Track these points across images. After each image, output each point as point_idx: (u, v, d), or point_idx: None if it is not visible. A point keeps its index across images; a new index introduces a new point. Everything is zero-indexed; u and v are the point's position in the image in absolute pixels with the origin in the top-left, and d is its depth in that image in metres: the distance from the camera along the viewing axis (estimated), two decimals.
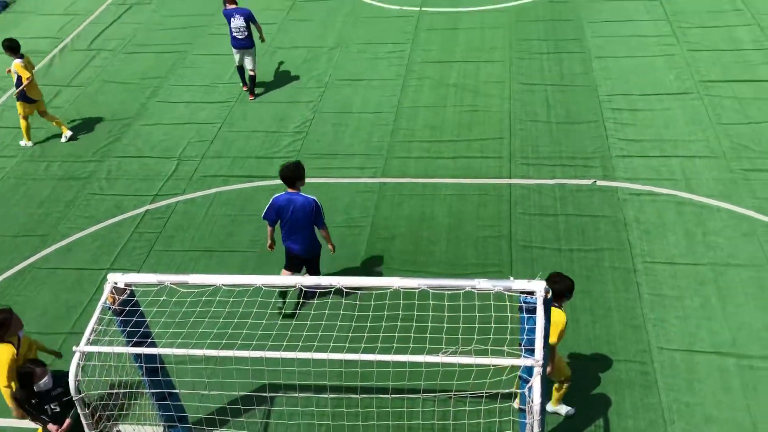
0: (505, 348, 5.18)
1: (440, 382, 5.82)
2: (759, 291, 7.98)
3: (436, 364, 4.91)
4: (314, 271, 8.17)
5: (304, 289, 7.67)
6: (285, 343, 5.57)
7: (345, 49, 13.75)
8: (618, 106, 11.35)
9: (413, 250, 9.03)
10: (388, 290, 5.18)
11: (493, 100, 11.80)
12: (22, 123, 11.64)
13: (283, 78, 13.06)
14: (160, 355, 6.00)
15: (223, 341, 5.75)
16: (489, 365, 4.83)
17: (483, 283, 5.03)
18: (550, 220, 9.26)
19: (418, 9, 14.94)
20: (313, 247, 7.95)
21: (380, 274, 8.66)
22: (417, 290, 5.12)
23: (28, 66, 11.31)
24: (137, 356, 5.77)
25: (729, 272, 8.25)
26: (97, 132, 12.04)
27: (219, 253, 9.28)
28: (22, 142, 11.85)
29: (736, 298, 7.93)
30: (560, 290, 6.06)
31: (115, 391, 6.09)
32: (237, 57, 12.42)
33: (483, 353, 5.00)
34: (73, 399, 5.25)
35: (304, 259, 8.02)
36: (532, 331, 5.03)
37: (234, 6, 12.20)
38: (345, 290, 5.29)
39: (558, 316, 6.07)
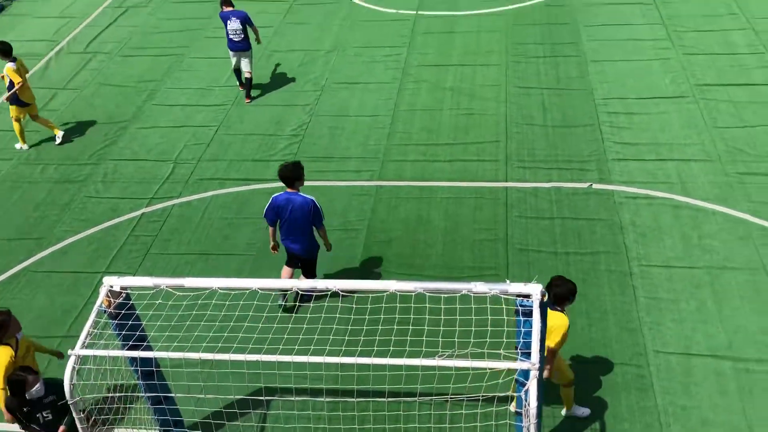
0: (501, 351, 5.18)
1: (437, 385, 5.81)
2: (754, 294, 8.00)
3: (433, 368, 4.90)
4: (310, 273, 8.18)
5: (300, 292, 7.67)
6: (281, 347, 5.56)
7: (342, 52, 13.76)
8: (614, 109, 11.38)
9: (410, 254, 9.03)
10: (385, 293, 5.18)
11: (490, 104, 11.82)
12: (16, 126, 11.61)
13: (279, 81, 13.06)
14: (155, 358, 5.97)
15: (219, 344, 5.74)
16: (485, 368, 4.83)
17: (479, 286, 5.03)
18: (546, 223, 9.27)
19: (414, 12, 14.97)
20: (311, 247, 7.98)
21: (377, 278, 8.65)
22: (413, 293, 5.11)
23: (21, 69, 11.28)
24: (133, 360, 5.75)
25: (725, 275, 8.26)
26: (93, 135, 12.02)
27: (215, 256, 9.27)
28: (18, 145, 11.82)
29: (731, 301, 7.95)
30: (562, 294, 6.06)
31: (110, 395, 6.06)
32: (234, 60, 12.46)
33: (479, 356, 5.00)
34: (68, 403, 5.23)
35: (302, 259, 8.06)
36: (529, 334, 5.02)
37: (231, 9, 12.24)
38: (341, 293, 5.29)
39: (560, 320, 6.07)
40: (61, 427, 6.10)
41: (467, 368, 4.85)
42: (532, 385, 4.71)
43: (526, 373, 4.91)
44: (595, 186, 9.84)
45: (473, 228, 9.32)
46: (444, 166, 10.50)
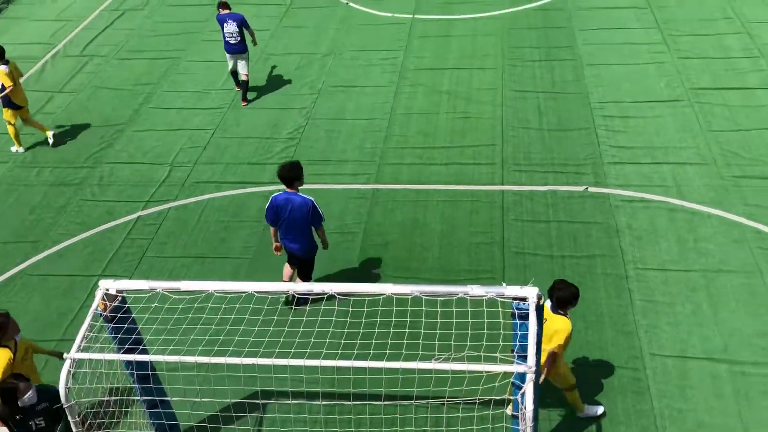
0: (497, 354, 5.18)
1: (433, 388, 5.81)
2: (750, 297, 8.03)
3: (429, 371, 4.90)
4: (306, 275, 8.20)
5: (296, 295, 7.68)
6: (277, 350, 5.56)
7: (338, 55, 13.78)
8: (609, 113, 11.41)
9: (406, 257, 9.03)
10: (381, 297, 5.18)
11: (486, 107, 11.84)
12: (10, 129, 11.59)
13: (276, 84, 13.07)
14: (151, 362, 5.97)
15: (215, 348, 5.74)
16: (482, 371, 4.83)
17: (475, 290, 5.04)
18: (542, 226, 9.29)
19: (410, 16, 14.99)
20: (309, 247, 8.02)
21: (373, 281, 8.65)
22: (410, 297, 5.12)
23: (15, 72, 11.25)
24: (128, 363, 5.74)
25: (720, 279, 8.29)
26: (89, 138, 12.00)
27: (211, 259, 9.26)
28: (14, 148, 11.80)
29: (727, 304, 7.97)
30: (565, 298, 6.07)
31: (106, 398, 6.04)
32: (230, 62, 12.48)
33: (476, 360, 5.00)
34: (64, 407, 5.21)
35: (299, 259, 8.08)
36: (525, 337, 5.03)
37: (227, 11, 12.26)
38: (337, 297, 5.28)
39: (563, 323, 6.07)
40: None
41: (464, 371, 4.85)
42: (529, 388, 4.71)
43: (522, 376, 4.92)
44: (591, 189, 9.86)
45: (469, 231, 9.33)
46: (440, 170, 10.52)
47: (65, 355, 5.17)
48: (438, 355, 5.03)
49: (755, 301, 7.98)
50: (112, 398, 6.14)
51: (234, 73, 12.63)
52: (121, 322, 5.67)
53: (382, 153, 10.98)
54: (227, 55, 12.41)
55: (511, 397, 5.74)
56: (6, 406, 5.91)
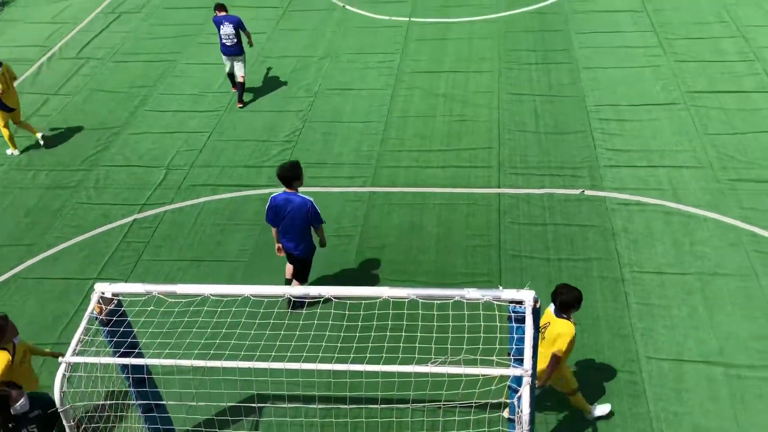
0: (494, 358, 5.18)
1: (429, 392, 5.80)
2: (746, 300, 8.04)
3: (426, 374, 4.90)
4: (302, 276, 8.20)
5: (293, 299, 7.66)
6: (273, 354, 5.55)
7: (335, 58, 13.78)
8: (606, 116, 11.43)
9: (402, 260, 9.03)
10: (378, 300, 5.17)
11: (482, 110, 11.86)
12: (4, 132, 11.56)
13: (272, 87, 13.06)
14: (147, 365, 5.95)
15: (211, 351, 5.72)
16: (478, 375, 4.83)
17: (472, 293, 5.04)
18: (538, 229, 9.29)
19: (407, 19, 15.01)
20: (307, 247, 8.02)
21: (369, 284, 8.63)
22: (406, 300, 5.11)
23: (7, 74, 11.22)
24: (124, 367, 5.72)
25: (716, 282, 8.30)
26: (85, 141, 11.97)
27: (207, 262, 9.24)
28: (9, 151, 11.76)
29: (723, 307, 7.98)
30: (568, 301, 6.07)
31: (101, 402, 6.02)
32: (227, 64, 12.48)
33: (472, 363, 4.99)
34: (59, 411, 5.19)
35: (297, 259, 8.09)
36: (521, 340, 5.03)
37: (224, 13, 12.27)
38: (334, 300, 5.27)
39: (567, 327, 6.07)
40: None
41: (460, 375, 4.84)
42: (525, 392, 4.71)
43: (518, 380, 4.92)
44: (588, 192, 9.87)
45: (466, 234, 9.33)
46: (437, 173, 10.52)
47: (60, 359, 5.15)
48: (434, 358, 5.03)
49: (751, 304, 7.99)
50: (108, 402, 6.12)
51: (231, 75, 12.63)
52: (116, 325, 5.65)
53: (378, 156, 10.98)
54: (224, 57, 12.42)
55: (508, 401, 5.74)
56: None
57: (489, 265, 8.81)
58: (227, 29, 12.08)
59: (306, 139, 11.52)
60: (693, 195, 9.64)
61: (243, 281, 8.77)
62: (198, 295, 5.53)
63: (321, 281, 8.69)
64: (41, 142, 11.77)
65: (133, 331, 5.90)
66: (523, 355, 4.93)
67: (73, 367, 5.19)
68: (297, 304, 7.89)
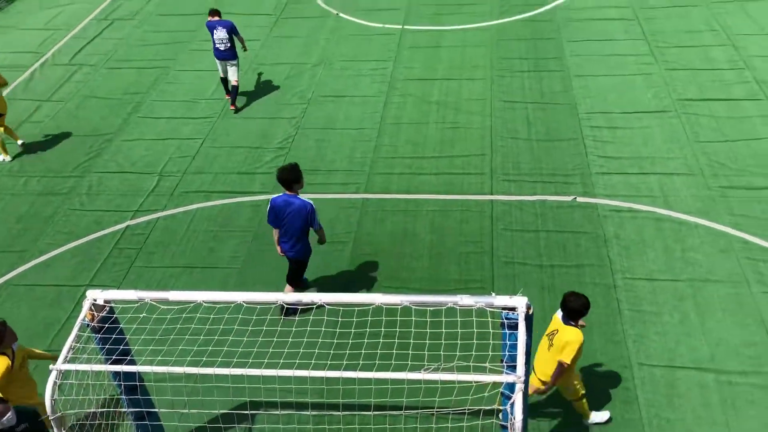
0: (487, 364, 5.19)
1: (422, 398, 5.80)
2: (736, 307, 8.08)
3: (419, 381, 4.90)
4: (296, 279, 8.19)
5: (285, 306, 7.66)
6: (266, 360, 5.53)
7: (328, 65, 13.81)
8: (597, 123, 11.50)
9: (395, 266, 9.03)
10: (371, 307, 5.18)
11: (475, 117, 11.90)
12: None
13: (266, 94, 13.07)
14: (139, 372, 5.93)
15: (204, 358, 5.70)
16: (471, 381, 4.84)
17: (465, 300, 5.05)
18: (531, 236, 9.33)
19: (400, 27, 15.07)
20: (303, 249, 8.02)
21: (363, 290, 8.65)
22: (399, 306, 5.12)
23: None
24: (116, 374, 5.69)
25: (707, 288, 8.34)
26: (78, 147, 11.94)
27: (200, 269, 9.22)
28: (0, 157, 11.72)
29: (714, 314, 8.02)
30: (577, 308, 6.08)
31: (92, 410, 5.99)
32: (220, 68, 12.51)
33: (465, 369, 5.00)
34: (50, 419, 5.16)
35: (292, 260, 8.08)
36: (514, 347, 5.04)
37: (217, 18, 12.31)
38: (327, 307, 5.28)
39: (575, 335, 6.09)
40: None
41: (453, 381, 4.85)
42: (518, 399, 4.71)
43: (511, 386, 4.92)
44: (579, 199, 9.92)
45: (459, 241, 9.35)
46: (430, 179, 10.54)
47: (51, 367, 5.12)
48: (427, 365, 5.03)
49: (742, 311, 8.04)
50: (99, 410, 6.09)
51: (224, 80, 12.64)
52: (108, 332, 5.63)
53: (371, 163, 11.00)
54: (217, 62, 12.45)
55: (501, 407, 5.75)
56: None
57: (482, 272, 8.83)
58: (220, 34, 12.11)
59: (299, 145, 11.53)
60: (684, 202, 9.70)
61: (235, 288, 8.75)
62: (190, 302, 5.52)
63: (314, 288, 8.68)
64: (21, 142, 11.82)
65: (125, 338, 5.88)
66: (515, 362, 4.94)
67: (65, 374, 5.16)
68: (290, 310, 7.87)
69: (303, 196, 7.85)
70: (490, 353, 5.42)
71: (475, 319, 5.63)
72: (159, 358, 5.67)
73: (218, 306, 5.92)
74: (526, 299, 5.05)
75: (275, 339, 6.35)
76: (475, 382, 4.83)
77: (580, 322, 6.21)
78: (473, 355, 5.45)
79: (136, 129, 12.34)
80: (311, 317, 7.16)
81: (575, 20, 14.65)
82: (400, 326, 5.84)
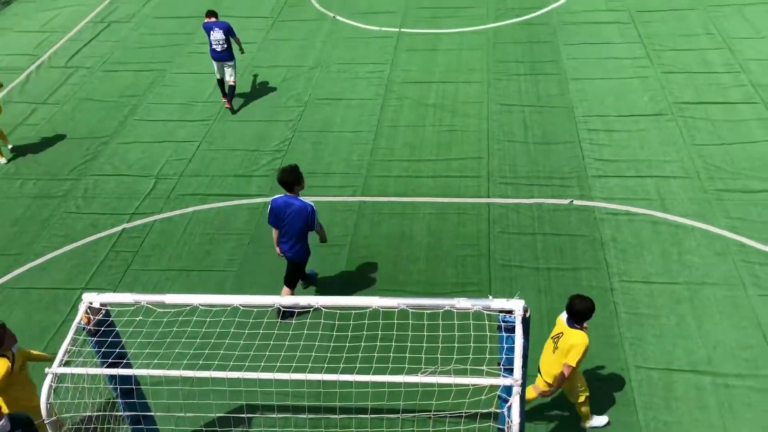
0: (484, 367, 5.18)
1: (419, 402, 5.79)
2: (733, 310, 8.09)
3: (416, 384, 4.89)
4: (292, 281, 8.19)
5: (282, 309, 7.63)
6: (263, 364, 5.52)
7: (325, 68, 13.81)
8: (594, 126, 11.52)
9: (392, 269, 9.02)
10: (367, 310, 5.16)
11: (472, 120, 11.91)
12: None
13: (262, 97, 13.07)
14: (135, 376, 5.90)
15: (200, 362, 5.68)
16: (468, 385, 4.83)
17: (462, 302, 5.04)
18: (528, 239, 9.33)
19: (397, 30, 15.08)
20: (301, 250, 8.03)
21: (359, 294, 8.63)
22: (396, 309, 5.11)
23: None
24: (112, 377, 5.68)
25: (704, 291, 8.35)
26: (74, 150, 11.92)
27: (196, 272, 9.20)
28: None
29: (711, 317, 8.03)
30: (582, 311, 6.08)
31: (88, 414, 5.96)
32: (217, 70, 12.50)
33: (462, 373, 4.99)
34: (45, 422, 5.13)
35: (290, 261, 8.08)
36: (511, 350, 5.04)
37: (214, 19, 12.31)
38: (323, 310, 5.26)
39: (580, 338, 6.09)
40: None
41: (450, 384, 4.84)
42: (515, 402, 4.71)
43: (508, 389, 4.92)
44: (576, 202, 9.93)
45: (456, 244, 9.34)
46: (427, 182, 10.54)
47: (47, 370, 5.10)
48: (424, 368, 5.02)
49: (738, 313, 8.05)
50: (95, 413, 6.06)
51: (221, 82, 12.63)
52: (104, 335, 5.60)
53: (368, 165, 11.00)
54: (214, 64, 12.43)
55: (498, 411, 5.74)
56: None
57: (479, 275, 8.83)
58: (217, 35, 12.11)
59: (296, 148, 11.52)
60: (680, 205, 9.71)
61: (232, 291, 8.73)
62: (187, 305, 5.51)
63: (311, 291, 8.67)
64: (10, 146, 11.78)
65: (121, 342, 5.86)
66: (513, 365, 4.94)
67: (60, 378, 5.14)
68: (286, 313, 7.86)
69: (302, 198, 7.84)
70: (488, 356, 5.40)
71: (472, 322, 5.62)
72: (155, 361, 5.65)
73: (215, 309, 5.89)
74: (523, 302, 5.05)
75: (272, 342, 6.33)
76: (472, 385, 4.82)
77: (584, 325, 6.21)
78: (470, 358, 5.44)
79: (133, 132, 12.31)
80: (308, 320, 7.15)
81: (571, 23, 14.68)
82: (397, 329, 5.83)
